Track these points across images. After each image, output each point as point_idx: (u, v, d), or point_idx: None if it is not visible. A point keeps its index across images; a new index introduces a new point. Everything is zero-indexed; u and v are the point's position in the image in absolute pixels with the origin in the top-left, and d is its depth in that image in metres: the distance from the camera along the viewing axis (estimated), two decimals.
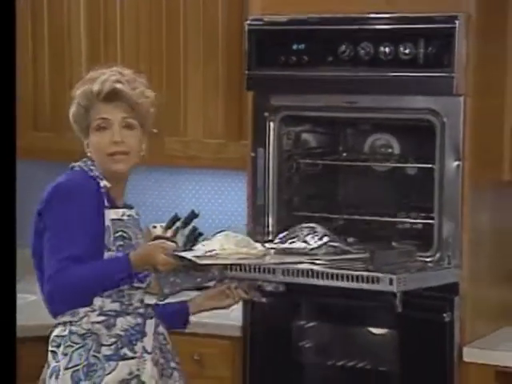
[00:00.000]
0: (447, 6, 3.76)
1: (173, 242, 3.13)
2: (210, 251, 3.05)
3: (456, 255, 3.75)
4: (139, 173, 4.80)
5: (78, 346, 3.03)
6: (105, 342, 3.04)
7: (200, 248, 3.09)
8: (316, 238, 3.20)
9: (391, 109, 3.89)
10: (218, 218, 4.81)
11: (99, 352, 3.02)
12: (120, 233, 3.09)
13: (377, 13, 3.87)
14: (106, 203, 3.08)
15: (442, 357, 3.73)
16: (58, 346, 3.05)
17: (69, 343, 3.04)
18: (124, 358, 3.04)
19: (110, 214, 3.09)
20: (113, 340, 3.05)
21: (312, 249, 3.17)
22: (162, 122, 4.42)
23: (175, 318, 3.38)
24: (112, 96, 3.07)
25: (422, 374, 3.79)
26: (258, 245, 3.17)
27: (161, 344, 3.18)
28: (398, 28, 3.86)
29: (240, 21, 4.14)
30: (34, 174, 4.77)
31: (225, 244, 3.07)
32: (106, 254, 3.04)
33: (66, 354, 3.03)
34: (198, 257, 3.01)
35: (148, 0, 4.51)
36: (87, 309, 3.03)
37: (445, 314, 3.75)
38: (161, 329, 3.21)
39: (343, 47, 3.89)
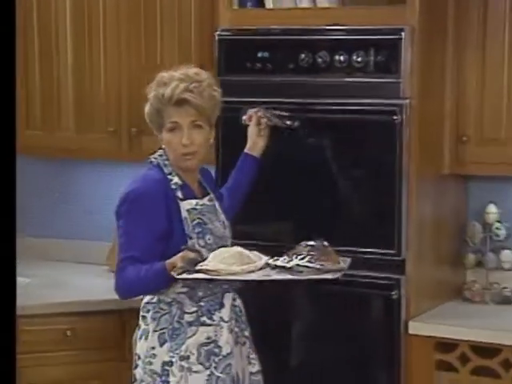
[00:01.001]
0: (394, 19, 3.79)
1: (196, 251, 3.09)
2: (202, 265, 3.03)
3: (403, 243, 3.78)
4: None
5: (164, 312, 3.19)
6: (187, 310, 3.17)
7: (205, 262, 3.06)
8: (300, 256, 3.14)
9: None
10: None
11: (182, 318, 3.17)
12: (197, 220, 3.20)
13: (332, 25, 3.87)
14: (181, 196, 3.20)
15: (389, 330, 3.77)
16: (148, 312, 3.23)
17: (157, 309, 3.20)
18: (203, 324, 3.17)
19: (185, 206, 3.20)
20: (194, 309, 3.18)
21: (291, 267, 3.10)
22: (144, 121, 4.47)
23: (251, 167, 3.66)
24: (181, 102, 3.13)
25: (371, 346, 3.82)
26: (258, 259, 3.15)
27: (237, 315, 3.29)
28: (351, 39, 3.87)
29: (211, 32, 4.12)
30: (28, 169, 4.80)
31: (217, 259, 3.05)
32: (190, 242, 3.13)
33: (154, 319, 3.20)
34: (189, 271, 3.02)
35: (127, 9, 4.47)
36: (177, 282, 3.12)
37: (393, 292, 3.76)
38: (238, 302, 3.32)
39: (303, 56, 3.89)
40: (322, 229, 3.86)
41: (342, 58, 3.86)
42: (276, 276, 3.10)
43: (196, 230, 3.19)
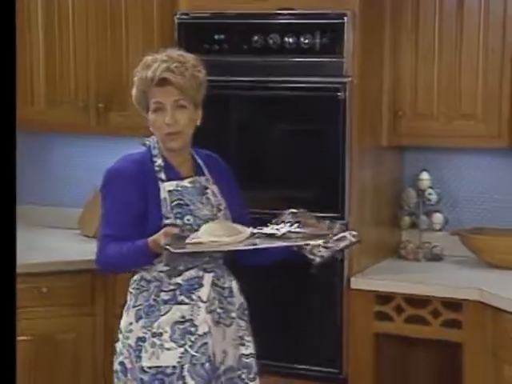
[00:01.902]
0: (338, 5, 3.81)
1: (179, 227, 2.91)
2: (192, 239, 2.85)
3: (346, 206, 3.81)
4: None
5: (143, 289, 3.02)
6: (165, 289, 2.98)
7: (193, 235, 2.89)
8: (289, 224, 2.96)
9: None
10: None
11: (159, 296, 2.98)
12: (177, 201, 3.00)
13: (283, 10, 3.87)
14: (163, 177, 3.01)
15: (334, 286, 3.80)
16: (133, 288, 3.07)
17: (138, 286, 3.03)
18: (180, 303, 2.96)
19: (167, 187, 3.00)
20: (172, 287, 2.98)
21: (282, 234, 2.91)
22: (110, 98, 4.46)
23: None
24: (163, 82, 2.95)
25: (317, 300, 3.85)
26: (244, 230, 2.94)
27: (221, 296, 3.05)
28: (300, 23, 3.88)
29: (171, 16, 4.10)
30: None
31: (209, 233, 2.86)
32: (166, 222, 2.94)
33: (134, 295, 3.04)
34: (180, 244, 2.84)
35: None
36: (158, 259, 2.97)
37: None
38: (227, 283, 3.08)
39: (256, 38, 3.89)
40: (277, 194, 3.95)
41: (291, 40, 3.87)
42: (268, 244, 2.92)
43: (175, 211, 2.99)
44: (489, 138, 3.95)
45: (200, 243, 2.82)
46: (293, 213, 3.00)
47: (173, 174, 3.04)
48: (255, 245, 2.89)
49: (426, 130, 4.07)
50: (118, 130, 4.47)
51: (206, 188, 3.10)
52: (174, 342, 2.93)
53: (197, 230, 2.91)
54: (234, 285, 3.11)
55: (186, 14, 4.04)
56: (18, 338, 3.82)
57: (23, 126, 4.70)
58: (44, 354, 4.13)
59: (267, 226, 2.99)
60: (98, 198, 4.56)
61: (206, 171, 3.15)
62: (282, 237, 2.91)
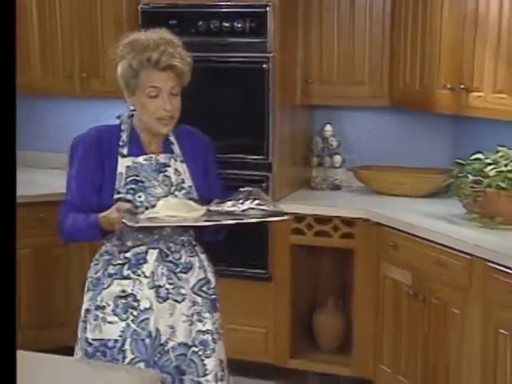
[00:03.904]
0: None
1: (130, 202, 2.38)
2: (149, 213, 2.35)
3: (270, 151, 3.88)
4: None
5: (96, 262, 2.49)
6: (114, 262, 2.44)
7: (147, 212, 2.37)
8: (249, 201, 2.39)
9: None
10: None
11: (106, 270, 2.44)
12: (133, 177, 2.41)
13: (221, 1, 3.91)
14: (125, 153, 2.43)
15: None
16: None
17: (93, 259, 2.52)
18: (123, 277, 2.41)
19: (125, 162, 2.43)
20: (120, 262, 2.43)
21: (243, 210, 2.38)
22: (91, 69, 4.40)
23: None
24: (167, 67, 2.36)
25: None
26: (200, 207, 2.40)
27: (171, 272, 2.44)
28: (234, 11, 3.89)
29: (136, 5, 4.07)
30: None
31: (164, 208, 2.34)
32: (117, 197, 2.39)
33: (90, 267, 2.52)
34: (137, 220, 2.32)
35: None
36: (112, 234, 2.43)
37: (263, 184, 3.84)
38: (183, 259, 2.47)
39: (200, 23, 3.90)
40: (222, 143, 3.79)
41: (227, 24, 3.89)
42: (227, 220, 2.38)
43: (128, 187, 2.41)
44: (374, 98, 4.02)
45: (156, 218, 2.33)
46: (248, 191, 2.46)
47: (135, 150, 2.46)
48: (215, 221, 2.38)
49: (329, 93, 4.11)
50: (97, 94, 4.42)
51: (167, 165, 2.48)
52: (117, 316, 2.40)
53: (148, 208, 2.40)
54: (195, 261, 2.52)
55: (147, 4, 4.02)
56: (22, 251, 3.87)
57: (21, 91, 4.75)
58: (42, 263, 4.13)
59: (224, 203, 2.46)
60: None
61: (175, 148, 2.53)
62: (242, 214, 2.39)
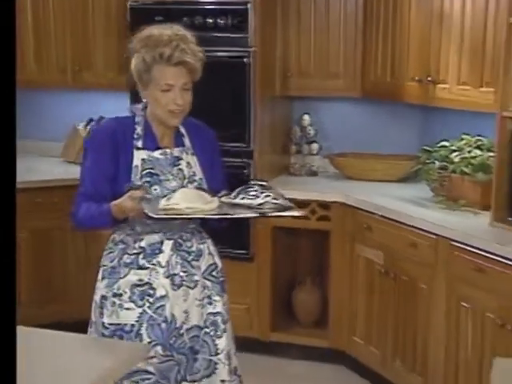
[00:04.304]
0: None
1: (143, 189, 2.31)
2: (167, 205, 2.26)
3: (251, 139, 3.90)
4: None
5: (110, 250, 2.43)
6: (129, 252, 2.38)
7: (162, 202, 2.28)
8: (263, 194, 2.31)
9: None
10: None
11: (121, 259, 2.38)
12: (148, 170, 2.35)
13: None
14: (140, 145, 2.36)
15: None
16: (105, 248, 2.49)
17: (107, 247, 2.45)
18: (140, 267, 2.36)
19: (141, 155, 2.36)
20: (135, 251, 2.38)
21: (259, 204, 2.29)
22: (82, 62, 4.38)
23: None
24: (179, 63, 2.30)
25: None
26: (214, 199, 2.33)
27: (184, 260, 2.40)
28: (217, 8, 3.91)
29: (125, 2, 4.08)
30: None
31: (182, 199, 2.26)
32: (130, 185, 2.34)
33: (104, 255, 2.45)
34: (157, 210, 2.25)
35: None
36: (126, 223, 2.37)
37: (245, 171, 3.88)
38: (194, 247, 2.43)
39: (185, 19, 3.85)
40: None
41: (210, 20, 3.89)
42: (243, 214, 2.31)
43: (144, 179, 2.34)
44: (348, 90, 4.05)
45: (176, 209, 2.25)
46: (262, 185, 2.38)
47: (150, 144, 2.40)
48: (231, 214, 2.31)
49: (306, 85, 4.12)
50: (90, 86, 4.42)
51: (179, 159, 2.42)
52: (133, 303, 2.36)
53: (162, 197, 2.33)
54: (204, 248, 2.48)
55: (136, 1, 4.02)
56: (21, 234, 3.82)
57: (18, 86, 4.74)
58: (39, 245, 4.14)
59: (237, 196, 2.36)
60: (74, 134, 4.59)
61: (186, 141, 2.47)
62: (258, 207, 2.31)
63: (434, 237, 3.25)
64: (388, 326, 3.57)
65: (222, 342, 2.46)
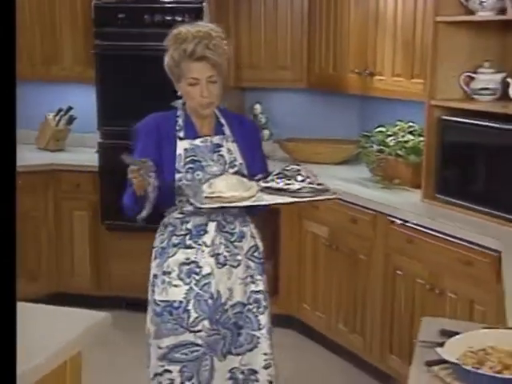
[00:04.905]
0: None
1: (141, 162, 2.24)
2: (212, 193, 2.23)
3: None
4: None
5: (160, 232, 2.44)
6: (177, 233, 2.39)
7: (205, 189, 2.25)
8: (300, 178, 2.28)
9: None
10: None
11: (170, 240, 2.39)
12: (190, 157, 2.35)
13: None
14: (182, 136, 2.38)
15: None
16: (157, 231, 2.48)
17: (158, 230, 2.46)
18: (187, 247, 2.37)
19: (183, 145, 2.37)
20: (183, 233, 2.38)
21: (298, 189, 2.27)
22: (51, 57, 4.34)
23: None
24: (201, 58, 2.30)
25: None
26: (253, 184, 2.29)
27: (227, 241, 2.39)
28: (175, 6, 3.91)
29: (90, 2, 4.06)
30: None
31: (225, 187, 2.23)
32: (177, 176, 2.34)
33: (155, 238, 2.46)
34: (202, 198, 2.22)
35: None
36: (174, 207, 2.39)
37: None
38: (237, 229, 2.41)
39: (146, 16, 3.93)
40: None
41: (169, 17, 3.88)
42: (285, 199, 2.28)
43: (187, 166, 2.35)
44: (295, 81, 4.09)
45: (222, 197, 2.22)
46: (297, 169, 2.34)
47: (191, 133, 2.40)
48: (274, 200, 2.28)
49: (257, 77, 4.15)
50: (57, 79, 4.41)
51: (220, 146, 2.41)
52: (181, 280, 2.36)
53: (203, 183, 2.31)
54: (247, 230, 2.45)
55: (100, 1, 4.00)
56: None
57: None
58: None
59: (273, 180, 2.32)
60: (45, 123, 4.52)
61: (226, 130, 2.44)
62: (297, 191, 2.28)
63: (373, 213, 3.33)
64: (332, 293, 3.65)
65: (264, 318, 2.46)
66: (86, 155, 4.33)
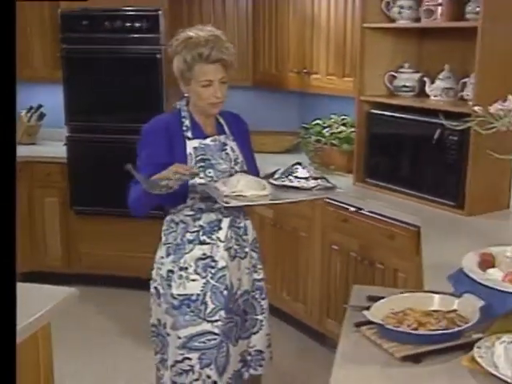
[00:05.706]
0: (155, 3, 3.84)
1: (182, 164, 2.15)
2: (233, 192, 2.11)
3: None
4: None
5: (172, 229, 2.30)
6: (190, 230, 2.27)
7: (223, 188, 2.14)
8: (311, 176, 2.23)
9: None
10: None
11: (185, 236, 2.27)
12: (200, 156, 2.24)
13: (124, 6, 3.89)
14: (190, 136, 2.25)
15: None
16: (164, 227, 2.34)
17: (168, 227, 2.32)
18: (202, 243, 2.26)
19: (192, 144, 2.24)
20: (196, 229, 2.27)
21: (313, 187, 2.21)
22: (21, 59, 4.18)
23: None
24: (216, 61, 2.18)
25: None
26: (265, 182, 2.20)
27: (237, 235, 2.33)
28: (134, 14, 3.88)
29: (57, 10, 4.00)
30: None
31: (245, 186, 2.12)
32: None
33: (165, 234, 2.33)
34: (224, 197, 2.10)
35: None
36: (183, 205, 2.26)
37: None
38: (242, 223, 2.35)
39: (107, 23, 3.89)
40: (125, 119, 3.90)
41: (128, 24, 3.87)
42: (301, 197, 2.22)
43: (198, 165, 2.23)
44: (241, 80, 4.01)
45: (243, 196, 2.11)
46: (306, 167, 2.28)
47: (198, 133, 2.27)
48: (288, 198, 2.20)
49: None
50: (28, 80, 4.28)
51: (226, 144, 2.31)
52: (198, 274, 2.26)
53: (215, 181, 2.21)
54: (248, 223, 2.40)
55: (66, 9, 3.94)
56: None
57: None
58: None
59: (280, 175, 2.26)
60: (19, 120, 4.38)
61: (226, 129, 2.35)
62: (306, 188, 2.21)
63: None
64: (277, 266, 3.67)
65: (266, 303, 2.44)
66: (55, 148, 4.30)
